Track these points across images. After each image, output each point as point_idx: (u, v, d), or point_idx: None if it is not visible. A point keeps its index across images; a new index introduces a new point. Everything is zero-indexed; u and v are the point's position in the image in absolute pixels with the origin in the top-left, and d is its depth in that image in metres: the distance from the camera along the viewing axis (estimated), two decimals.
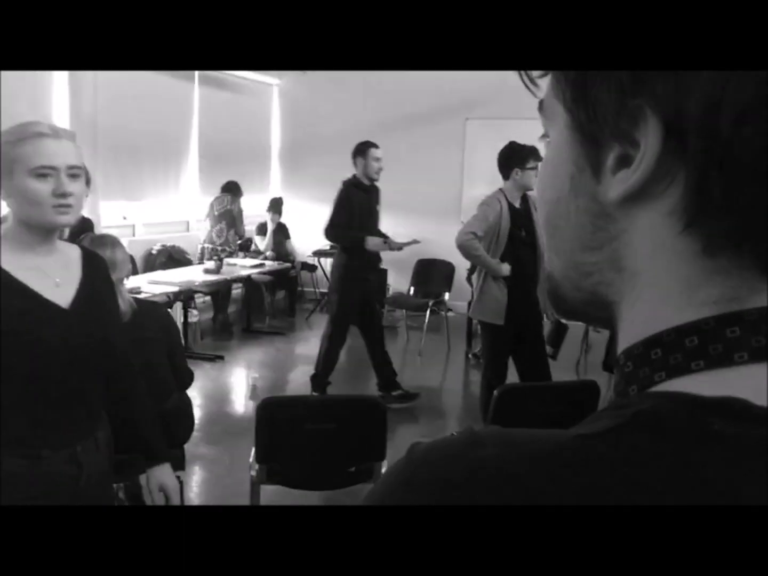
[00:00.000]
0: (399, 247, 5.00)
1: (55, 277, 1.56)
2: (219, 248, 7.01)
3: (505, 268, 3.92)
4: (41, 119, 1.61)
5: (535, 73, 0.39)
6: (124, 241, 7.26)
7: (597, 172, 0.37)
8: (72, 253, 1.66)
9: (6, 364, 1.49)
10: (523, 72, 0.39)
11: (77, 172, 1.52)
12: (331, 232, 4.77)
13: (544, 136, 0.42)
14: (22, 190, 1.47)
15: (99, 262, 1.72)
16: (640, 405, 0.34)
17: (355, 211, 4.73)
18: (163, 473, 1.83)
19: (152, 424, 1.85)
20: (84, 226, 3.17)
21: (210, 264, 6.31)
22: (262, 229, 7.76)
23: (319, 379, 4.98)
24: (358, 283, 4.84)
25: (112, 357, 1.70)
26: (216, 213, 7.07)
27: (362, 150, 4.83)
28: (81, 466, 1.64)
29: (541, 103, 0.41)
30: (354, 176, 4.87)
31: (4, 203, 1.57)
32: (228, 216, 7.08)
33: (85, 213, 6.05)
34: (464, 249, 3.90)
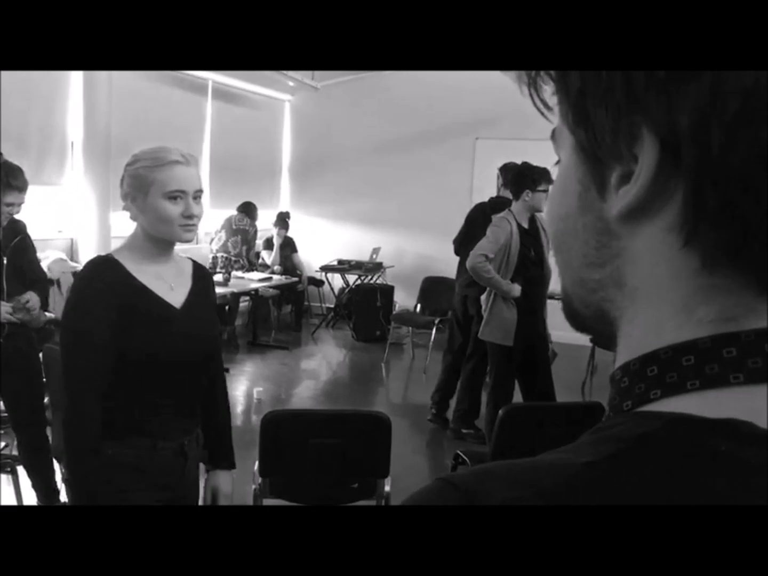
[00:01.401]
0: None
1: (170, 282, 1.76)
2: (233, 258, 7.08)
3: (516, 289, 3.92)
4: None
5: (547, 94, 0.40)
6: None
7: (602, 190, 0.38)
8: (185, 265, 1.86)
9: (129, 357, 1.66)
10: (535, 94, 0.39)
11: (200, 195, 1.73)
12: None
13: (557, 162, 0.42)
14: (155, 209, 1.67)
15: (206, 275, 1.94)
16: (641, 426, 0.34)
17: None
18: (225, 479, 1.96)
19: (230, 429, 2.00)
20: (17, 228, 3.21)
21: (218, 276, 6.34)
22: (269, 244, 7.80)
23: (471, 415, 4.78)
24: None
25: (211, 359, 1.86)
26: (234, 227, 7.18)
27: None
28: (187, 459, 1.80)
29: (553, 132, 0.42)
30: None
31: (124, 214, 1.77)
32: (244, 233, 7.19)
33: (95, 224, 6.11)
34: (476, 272, 3.91)
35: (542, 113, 0.40)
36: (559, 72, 0.38)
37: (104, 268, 1.70)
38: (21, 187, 3.03)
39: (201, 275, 1.88)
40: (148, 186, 1.66)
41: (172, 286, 1.76)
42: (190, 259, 1.93)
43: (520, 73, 0.39)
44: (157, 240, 1.72)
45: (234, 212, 7.40)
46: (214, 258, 7.16)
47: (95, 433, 1.63)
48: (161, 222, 1.67)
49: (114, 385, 1.67)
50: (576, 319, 0.44)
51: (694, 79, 0.33)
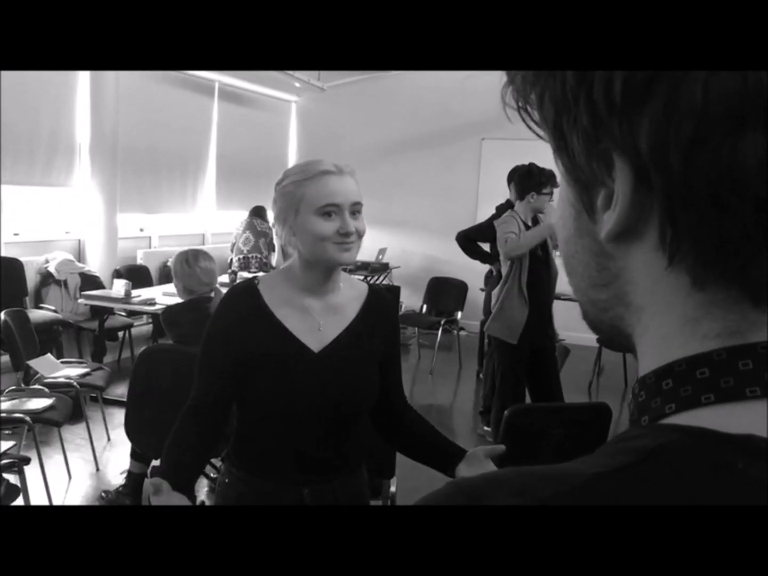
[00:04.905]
0: None
1: (320, 320, 1.57)
2: (264, 260, 7.16)
3: (549, 225, 3.87)
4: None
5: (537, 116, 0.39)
6: (140, 253, 7.27)
7: (591, 212, 0.38)
8: (355, 293, 1.64)
9: (249, 398, 1.55)
10: (528, 118, 0.39)
11: (359, 208, 1.53)
12: None
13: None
14: (307, 229, 1.49)
15: (381, 305, 1.66)
16: (657, 439, 0.34)
17: None
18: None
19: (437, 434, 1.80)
20: None
21: (224, 277, 6.37)
22: (271, 245, 7.87)
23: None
24: None
25: (357, 414, 1.62)
26: (258, 229, 7.25)
27: None
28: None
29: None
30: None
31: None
32: (266, 235, 7.30)
33: (102, 225, 6.13)
34: (512, 248, 3.84)
35: (538, 135, 0.40)
36: (539, 101, 0.38)
37: (240, 298, 1.57)
38: None
39: (374, 304, 1.64)
40: (298, 203, 1.49)
41: (320, 325, 1.56)
42: (371, 284, 1.69)
43: (507, 99, 0.39)
44: (313, 266, 1.54)
45: (244, 213, 7.45)
46: (246, 258, 7.19)
47: (186, 452, 1.56)
48: (314, 242, 1.49)
49: (240, 418, 1.59)
50: (599, 333, 0.45)
51: (648, 102, 0.33)
